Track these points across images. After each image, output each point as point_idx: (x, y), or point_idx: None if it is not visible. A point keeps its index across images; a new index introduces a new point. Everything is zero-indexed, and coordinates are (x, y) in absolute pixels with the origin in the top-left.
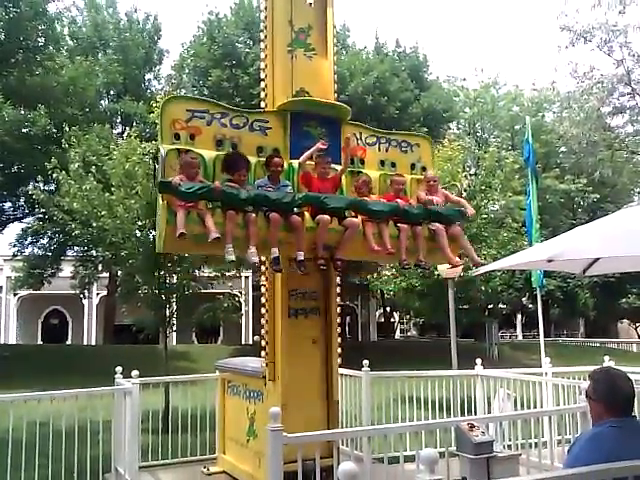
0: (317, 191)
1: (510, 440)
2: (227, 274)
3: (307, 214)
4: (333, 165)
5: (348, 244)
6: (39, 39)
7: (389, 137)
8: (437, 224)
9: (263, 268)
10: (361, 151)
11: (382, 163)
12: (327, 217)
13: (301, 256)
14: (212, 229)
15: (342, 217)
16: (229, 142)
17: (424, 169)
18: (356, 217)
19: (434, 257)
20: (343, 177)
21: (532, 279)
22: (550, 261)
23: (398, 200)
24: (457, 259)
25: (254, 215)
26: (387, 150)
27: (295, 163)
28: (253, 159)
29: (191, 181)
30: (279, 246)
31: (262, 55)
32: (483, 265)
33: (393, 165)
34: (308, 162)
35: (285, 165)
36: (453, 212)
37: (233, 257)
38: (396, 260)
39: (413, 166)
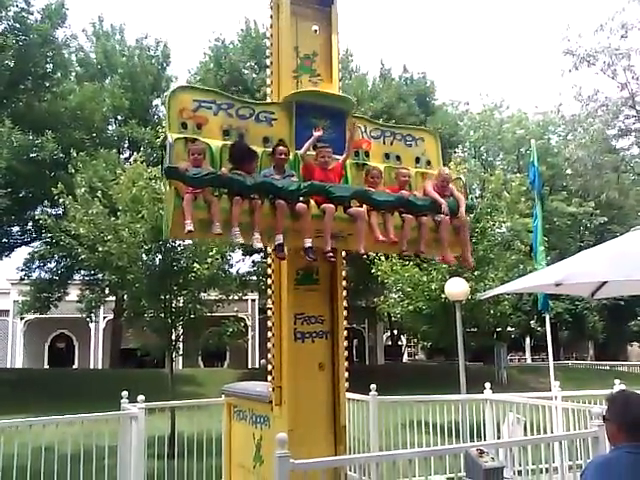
0: (319, 182)
1: (520, 466)
2: (233, 297)
3: (312, 202)
4: (338, 157)
5: (360, 237)
6: (47, 65)
7: (393, 131)
8: (442, 215)
9: (269, 291)
10: (366, 144)
11: (387, 156)
12: (332, 206)
13: (309, 243)
14: (217, 218)
15: (347, 206)
16: (236, 132)
17: (429, 163)
18: (361, 207)
19: (434, 250)
20: (349, 169)
21: (538, 303)
22: (558, 284)
23: (403, 191)
24: (452, 257)
25: (260, 202)
26: (392, 143)
27: (299, 153)
28: (259, 149)
29: (197, 168)
30: (285, 234)
31: (268, 81)
32: (472, 266)
33: (398, 158)
34: (309, 153)
35: (290, 156)
36: (454, 204)
37: (241, 239)
38: (397, 250)
39: (418, 160)
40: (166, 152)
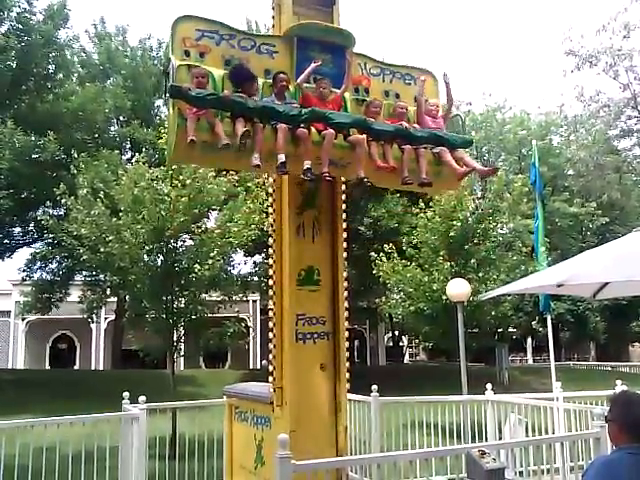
0: None
1: (522, 467)
2: (234, 298)
3: (313, 128)
4: (337, 91)
5: (359, 163)
6: (49, 66)
7: (393, 69)
8: (441, 147)
9: (271, 292)
10: (365, 80)
11: (386, 93)
12: (332, 131)
13: (308, 164)
14: (222, 135)
15: (347, 135)
16: (238, 62)
17: (426, 102)
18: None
19: (439, 181)
20: (348, 104)
21: (540, 303)
22: (560, 285)
23: (402, 122)
24: (462, 169)
25: (261, 125)
26: (391, 81)
27: (297, 82)
28: (261, 80)
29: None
30: (286, 157)
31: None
32: (491, 172)
33: (397, 96)
34: (308, 85)
35: (291, 87)
36: (457, 138)
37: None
38: (399, 179)
39: (416, 98)
40: (169, 75)
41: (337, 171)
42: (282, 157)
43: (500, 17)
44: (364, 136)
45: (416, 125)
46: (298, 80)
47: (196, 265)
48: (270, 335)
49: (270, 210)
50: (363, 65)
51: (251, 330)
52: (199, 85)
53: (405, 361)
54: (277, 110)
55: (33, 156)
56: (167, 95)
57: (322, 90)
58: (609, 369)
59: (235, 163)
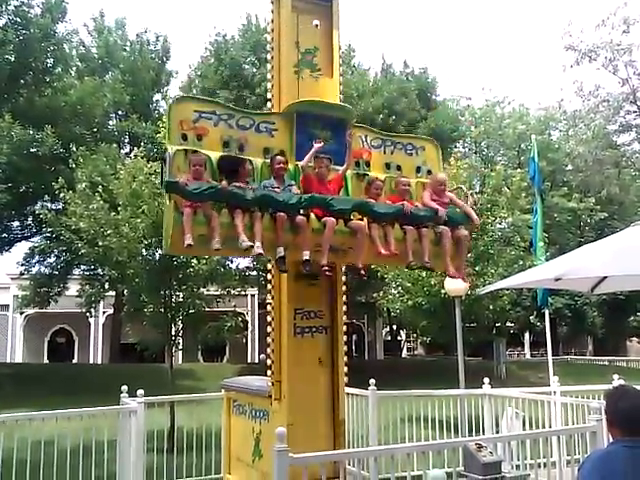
0: (318, 194)
1: (519, 460)
2: (232, 292)
3: (313, 215)
4: (338, 167)
5: (360, 250)
6: (48, 60)
7: (394, 140)
8: (443, 227)
9: (269, 286)
10: (367, 153)
11: (387, 166)
12: (333, 219)
13: (307, 255)
14: (216, 237)
15: (347, 219)
16: (236, 143)
17: (429, 172)
18: (361, 219)
19: (438, 262)
20: (349, 180)
21: (538, 298)
22: (558, 279)
23: (404, 202)
24: (454, 271)
25: (260, 214)
26: (392, 153)
27: (300, 165)
28: (260, 160)
29: (197, 180)
30: (285, 248)
31: (269, 76)
32: (455, 278)
33: (398, 168)
34: (309, 164)
35: (290, 166)
36: (459, 216)
37: (249, 242)
38: (403, 262)
39: (418, 169)
40: (165, 164)
41: (337, 257)
42: (281, 251)
43: (500, 12)
44: (365, 222)
45: (419, 204)
46: (300, 163)
47: (194, 259)
48: (268, 329)
49: None
50: (364, 138)
51: (249, 324)
52: (196, 174)
53: (403, 355)
54: (276, 199)
55: (31, 150)
56: (163, 189)
57: (322, 170)
58: (606, 364)
59: (237, 252)
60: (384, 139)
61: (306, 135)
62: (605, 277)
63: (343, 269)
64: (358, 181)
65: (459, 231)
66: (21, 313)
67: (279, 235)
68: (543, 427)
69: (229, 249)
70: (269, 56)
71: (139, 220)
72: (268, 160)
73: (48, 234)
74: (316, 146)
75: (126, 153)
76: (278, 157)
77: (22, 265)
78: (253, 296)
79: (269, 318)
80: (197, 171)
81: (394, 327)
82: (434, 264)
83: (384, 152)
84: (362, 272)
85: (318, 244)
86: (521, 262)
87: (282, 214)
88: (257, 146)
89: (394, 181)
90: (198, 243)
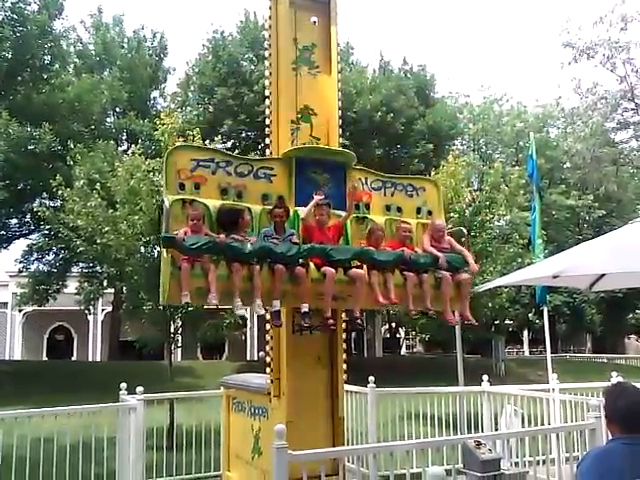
0: (318, 243)
1: (517, 457)
2: None
3: (312, 265)
4: (338, 212)
5: (359, 298)
6: (45, 57)
7: (394, 181)
8: (444, 272)
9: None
10: (367, 196)
11: (388, 208)
12: (333, 270)
13: (305, 308)
14: (212, 292)
15: (347, 267)
16: (234, 191)
17: (430, 213)
18: (361, 267)
19: (438, 305)
20: (349, 225)
21: (536, 296)
22: (556, 277)
23: (404, 249)
24: (453, 318)
25: (258, 267)
26: (392, 195)
27: (300, 211)
28: (258, 207)
29: (196, 234)
30: (284, 298)
31: (267, 73)
32: (472, 321)
33: (399, 210)
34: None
35: (290, 212)
36: (459, 261)
37: (242, 311)
38: (403, 309)
39: (419, 210)
40: (163, 216)
41: (336, 304)
42: (277, 304)
43: (498, 9)
44: (364, 271)
45: (419, 250)
46: (302, 216)
47: None
48: (267, 326)
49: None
50: (364, 180)
51: (248, 322)
52: (195, 229)
53: (402, 353)
54: (275, 252)
55: (29, 147)
56: (161, 243)
57: (323, 217)
58: (605, 361)
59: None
60: (384, 181)
61: (305, 180)
62: (603, 274)
63: (343, 316)
64: (358, 225)
65: (460, 275)
66: (20, 311)
67: (276, 287)
68: (542, 424)
69: (226, 304)
70: (267, 53)
71: (137, 217)
72: (267, 206)
73: (46, 231)
74: (317, 198)
75: (124, 150)
76: (276, 210)
77: (20, 263)
78: None
79: (268, 316)
80: (195, 225)
81: (393, 325)
82: (435, 308)
83: (384, 194)
84: (359, 321)
85: (318, 294)
86: (519, 260)
87: (280, 266)
88: (256, 192)
89: (395, 225)
90: (196, 295)
